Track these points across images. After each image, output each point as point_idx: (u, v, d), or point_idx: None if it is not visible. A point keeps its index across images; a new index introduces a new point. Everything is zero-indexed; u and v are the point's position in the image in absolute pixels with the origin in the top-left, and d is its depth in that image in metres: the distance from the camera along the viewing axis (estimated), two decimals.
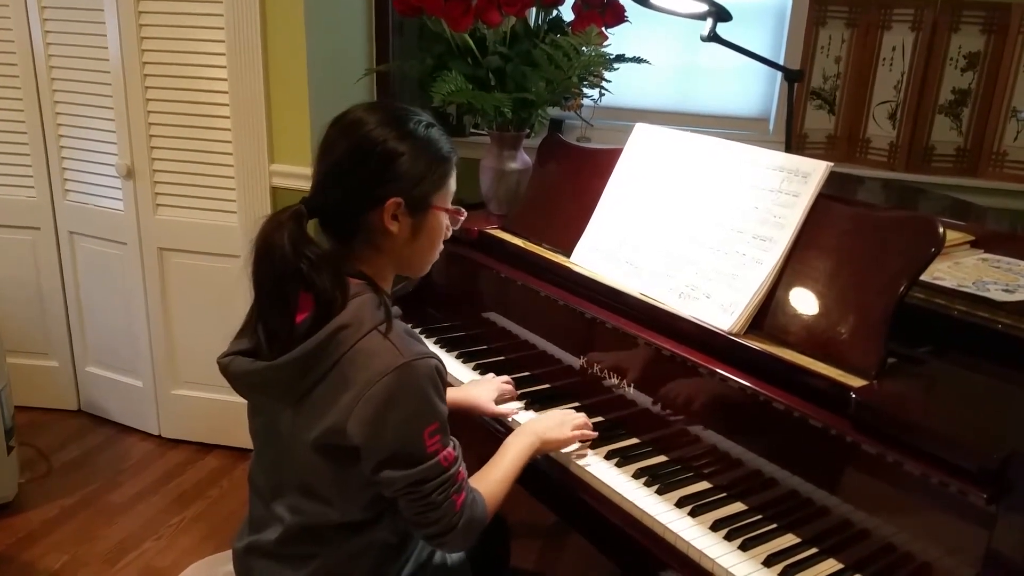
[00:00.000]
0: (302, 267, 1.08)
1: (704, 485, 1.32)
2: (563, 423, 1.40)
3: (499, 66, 1.93)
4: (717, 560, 1.14)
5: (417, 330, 1.87)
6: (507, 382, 1.60)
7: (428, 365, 1.10)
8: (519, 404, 1.57)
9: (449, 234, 1.24)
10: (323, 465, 1.12)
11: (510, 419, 1.53)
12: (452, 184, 1.21)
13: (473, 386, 1.60)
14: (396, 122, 1.14)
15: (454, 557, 1.34)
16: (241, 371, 1.14)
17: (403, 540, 1.24)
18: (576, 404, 1.56)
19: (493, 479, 1.27)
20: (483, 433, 1.55)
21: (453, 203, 1.23)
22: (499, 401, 1.56)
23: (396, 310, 1.15)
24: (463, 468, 1.17)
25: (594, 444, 1.42)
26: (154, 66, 2.39)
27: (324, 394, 1.10)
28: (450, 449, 1.13)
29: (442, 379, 1.13)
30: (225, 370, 1.16)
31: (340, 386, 1.09)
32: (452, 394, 1.57)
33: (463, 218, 1.25)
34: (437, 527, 1.13)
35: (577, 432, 1.40)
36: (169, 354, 2.66)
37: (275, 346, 1.11)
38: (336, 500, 1.15)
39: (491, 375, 1.64)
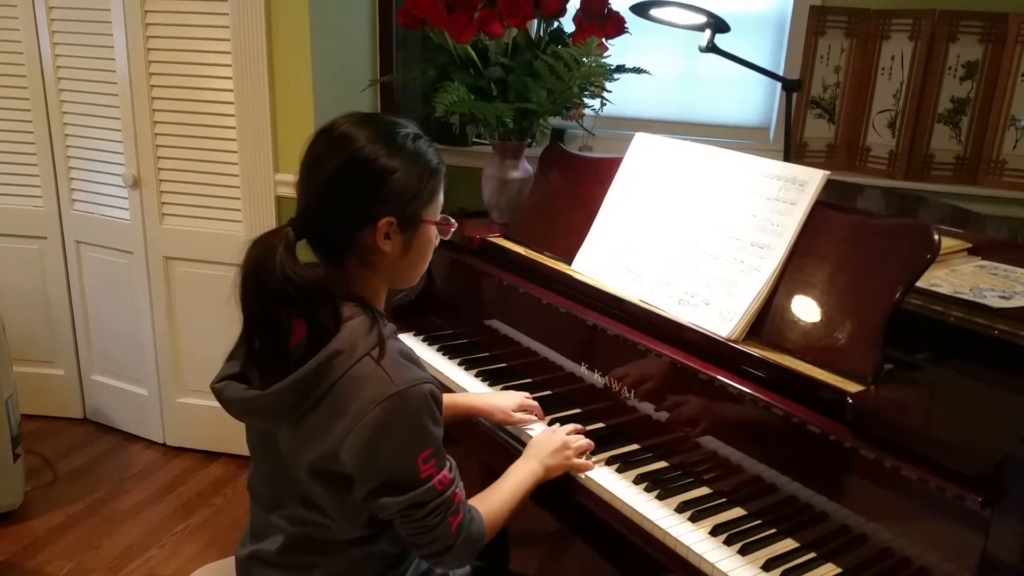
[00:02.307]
0: (293, 293, 1.05)
1: (704, 490, 1.33)
2: (565, 446, 1.40)
3: (501, 77, 1.95)
4: (717, 564, 1.15)
5: (420, 337, 1.91)
6: (528, 398, 1.56)
7: (421, 392, 1.08)
8: (536, 419, 1.54)
9: (438, 243, 1.22)
10: (320, 488, 1.12)
11: (525, 428, 1.51)
12: (441, 197, 1.19)
13: (493, 395, 1.59)
14: (386, 137, 1.11)
15: None
16: (236, 398, 1.12)
17: (404, 550, 1.24)
18: (577, 410, 1.57)
19: (495, 501, 1.27)
20: (489, 442, 1.56)
21: (444, 212, 1.22)
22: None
23: (391, 328, 1.14)
24: (460, 489, 1.16)
25: (595, 450, 1.43)
26: (161, 77, 2.42)
27: (318, 420, 1.08)
28: (445, 472, 1.12)
29: (437, 403, 1.11)
30: (219, 396, 1.14)
31: (334, 414, 1.07)
32: (471, 398, 1.58)
33: (454, 228, 1.23)
34: (433, 548, 1.13)
35: (580, 460, 1.39)
36: (174, 363, 2.68)
37: (266, 372, 1.09)
38: (336, 518, 1.15)
39: (513, 392, 1.61)
